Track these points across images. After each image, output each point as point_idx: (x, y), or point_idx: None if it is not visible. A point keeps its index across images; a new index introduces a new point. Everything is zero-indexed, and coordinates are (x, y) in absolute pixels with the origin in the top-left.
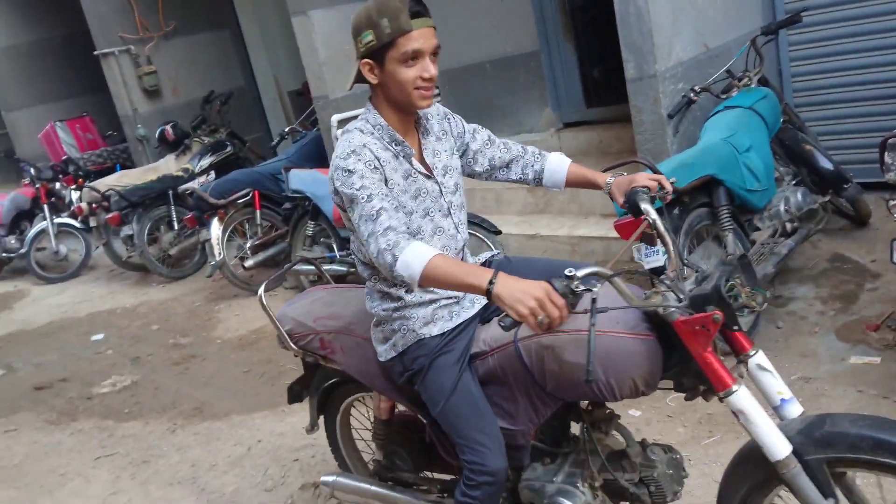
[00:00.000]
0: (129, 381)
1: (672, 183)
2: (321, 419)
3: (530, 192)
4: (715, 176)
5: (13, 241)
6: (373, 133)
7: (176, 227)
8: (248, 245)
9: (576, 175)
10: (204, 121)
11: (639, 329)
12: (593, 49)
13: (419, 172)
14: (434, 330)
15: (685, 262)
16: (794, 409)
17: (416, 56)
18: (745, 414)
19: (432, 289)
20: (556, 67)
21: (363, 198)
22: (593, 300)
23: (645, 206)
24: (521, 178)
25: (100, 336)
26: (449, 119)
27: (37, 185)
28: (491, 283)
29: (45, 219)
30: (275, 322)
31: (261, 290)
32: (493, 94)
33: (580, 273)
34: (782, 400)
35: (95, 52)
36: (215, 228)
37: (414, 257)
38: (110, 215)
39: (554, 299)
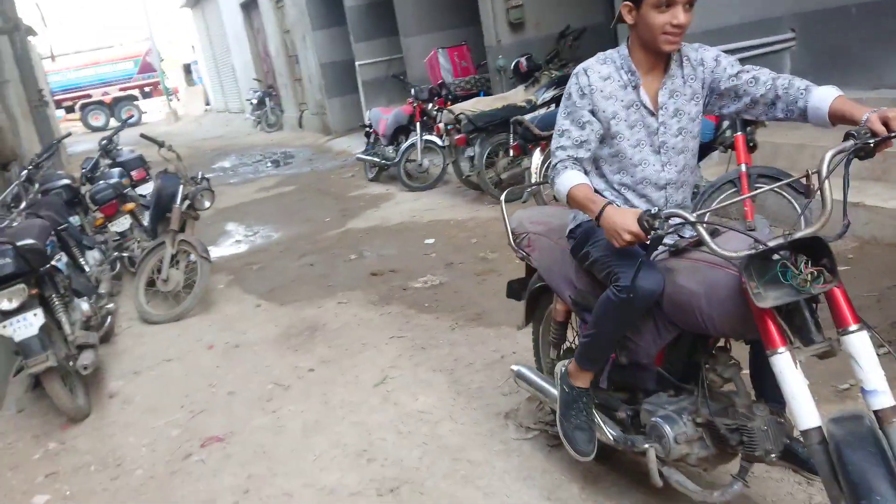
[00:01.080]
0: (438, 282)
1: None
2: None
3: None
4: None
5: (391, 151)
6: (614, 61)
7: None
8: None
9: (839, 110)
10: (557, 55)
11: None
12: None
13: (643, 105)
14: None
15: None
16: (879, 401)
17: (669, 4)
18: (780, 378)
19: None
20: None
21: (562, 115)
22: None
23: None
24: (786, 115)
25: (431, 240)
26: (704, 63)
27: (414, 105)
28: (600, 213)
29: (416, 135)
30: (505, 221)
31: (502, 197)
32: (854, 43)
33: (663, 213)
34: (863, 389)
35: None
36: (536, 158)
37: (563, 183)
38: (458, 137)
39: (636, 233)
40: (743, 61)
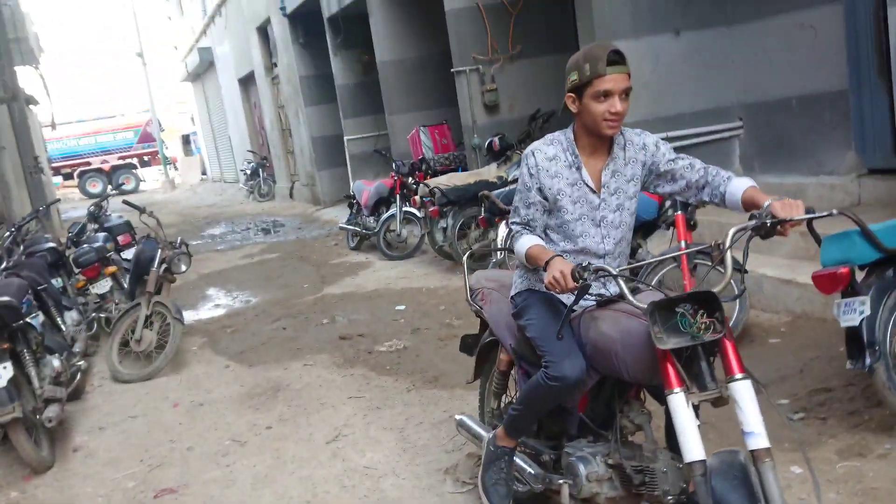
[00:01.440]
0: (402, 346)
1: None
2: None
3: (804, 237)
4: None
5: (372, 221)
6: (561, 143)
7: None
8: None
9: (750, 197)
10: (529, 135)
11: None
12: None
13: (585, 184)
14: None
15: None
16: (755, 442)
17: (607, 95)
18: (674, 415)
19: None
20: (865, 109)
21: (517, 195)
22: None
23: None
24: (710, 199)
25: (402, 307)
26: (646, 147)
27: (395, 178)
28: (550, 259)
29: (396, 206)
30: (465, 277)
31: (465, 257)
32: (795, 132)
33: (592, 267)
34: (743, 431)
35: (452, 70)
36: (501, 230)
37: (521, 245)
38: (433, 209)
39: (567, 280)
40: (695, 146)
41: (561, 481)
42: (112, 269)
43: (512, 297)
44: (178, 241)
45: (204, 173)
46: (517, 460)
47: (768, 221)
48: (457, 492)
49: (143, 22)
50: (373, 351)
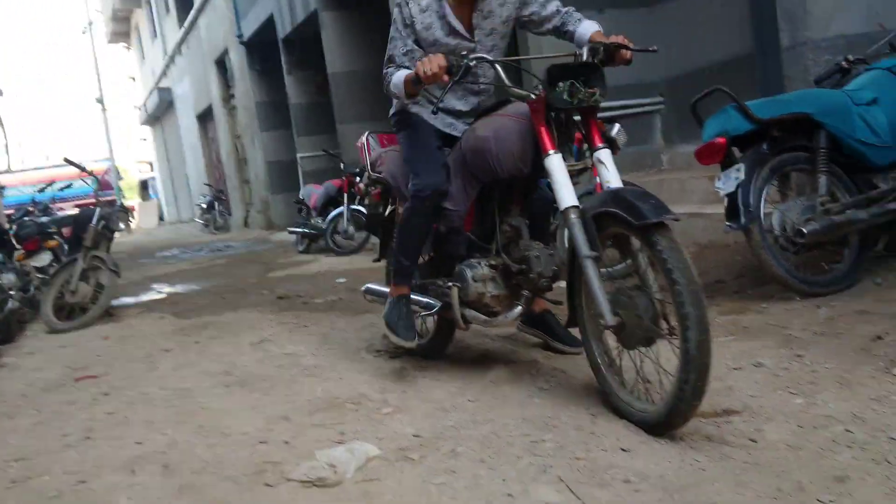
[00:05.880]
0: (337, 298)
1: (653, 50)
2: None
3: (712, 182)
4: (813, 116)
5: (320, 222)
6: None
7: None
8: None
9: (595, 37)
10: None
11: (521, 114)
12: None
13: (457, 32)
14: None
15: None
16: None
17: None
18: (551, 174)
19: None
20: (770, 70)
21: (390, 41)
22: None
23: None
24: (561, 37)
25: (342, 280)
26: None
27: (342, 177)
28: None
29: (344, 205)
30: (366, 155)
31: (365, 135)
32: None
33: (471, 56)
34: (608, 186)
35: None
36: None
37: (396, 78)
38: (374, 191)
39: (443, 65)
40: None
41: (451, 284)
42: (53, 242)
43: (391, 117)
44: (119, 203)
45: (161, 218)
46: (415, 297)
47: (601, 46)
48: (371, 357)
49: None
50: (308, 303)
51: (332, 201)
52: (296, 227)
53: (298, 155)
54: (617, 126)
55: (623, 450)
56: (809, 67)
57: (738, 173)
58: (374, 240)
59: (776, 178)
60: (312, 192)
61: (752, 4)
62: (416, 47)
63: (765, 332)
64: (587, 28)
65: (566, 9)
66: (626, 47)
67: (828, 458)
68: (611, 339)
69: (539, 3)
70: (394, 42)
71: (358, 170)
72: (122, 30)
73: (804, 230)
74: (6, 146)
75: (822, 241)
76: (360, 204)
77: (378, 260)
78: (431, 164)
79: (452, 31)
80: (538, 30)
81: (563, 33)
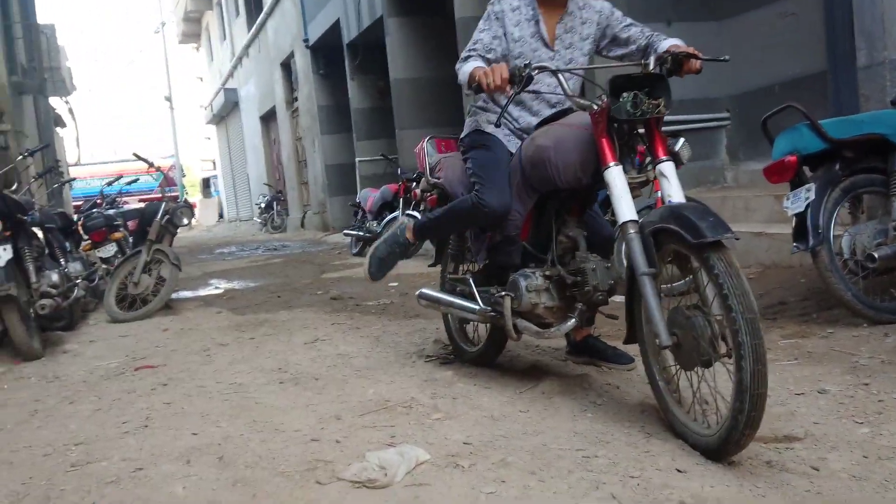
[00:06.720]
0: (389, 302)
1: (724, 60)
2: None
3: (778, 200)
4: (889, 138)
5: (375, 225)
6: None
7: None
8: None
9: (671, 48)
10: None
11: (582, 125)
12: None
13: (541, 37)
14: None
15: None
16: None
17: None
18: (610, 186)
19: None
20: (842, 88)
21: (478, 31)
22: None
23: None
24: (648, 55)
25: (395, 284)
26: (601, 12)
27: (399, 182)
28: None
29: (399, 209)
30: (425, 160)
31: (425, 140)
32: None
33: (533, 64)
34: (669, 200)
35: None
36: None
37: (466, 67)
38: (430, 197)
39: (495, 73)
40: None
41: (503, 293)
42: (118, 234)
43: (460, 140)
44: (182, 200)
45: (221, 216)
46: (464, 302)
47: (670, 55)
48: (421, 362)
49: (174, 69)
50: (361, 305)
51: (387, 205)
52: (351, 229)
53: (357, 159)
54: (681, 140)
55: (679, 470)
56: (887, 88)
57: (808, 193)
58: (429, 245)
59: (848, 199)
60: (369, 196)
61: (826, 21)
62: (503, 37)
63: (829, 358)
64: (668, 43)
65: (653, 32)
66: (696, 56)
67: (892, 491)
68: (669, 357)
69: (622, 26)
70: (482, 32)
71: (414, 175)
72: (192, 31)
73: (875, 254)
74: (77, 140)
75: (893, 266)
76: (415, 209)
77: (433, 265)
78: (498, 185)
79: (537, 35)
80: (624, 50)
81: (648, 55)
